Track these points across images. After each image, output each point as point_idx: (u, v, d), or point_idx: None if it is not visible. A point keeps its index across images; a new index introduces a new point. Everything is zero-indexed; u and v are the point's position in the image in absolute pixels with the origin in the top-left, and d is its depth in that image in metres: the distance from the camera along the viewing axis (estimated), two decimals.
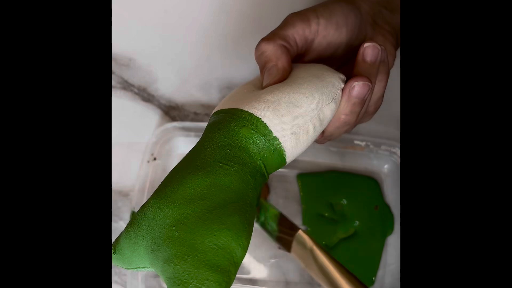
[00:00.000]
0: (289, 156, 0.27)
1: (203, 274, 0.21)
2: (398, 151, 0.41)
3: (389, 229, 0.42)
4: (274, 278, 0.42)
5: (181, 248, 0.22)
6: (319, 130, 0.27)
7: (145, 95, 0.46)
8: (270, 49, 0.28)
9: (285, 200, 0.43)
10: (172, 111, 0.46)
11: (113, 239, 0.42)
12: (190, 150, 0.27)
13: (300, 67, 0.29)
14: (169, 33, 0.47)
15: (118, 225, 0.43)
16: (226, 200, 0.23)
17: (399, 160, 0.41)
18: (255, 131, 0.25)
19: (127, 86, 0.46)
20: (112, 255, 0.26)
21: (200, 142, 0.27)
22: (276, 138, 0.26)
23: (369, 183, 0.43)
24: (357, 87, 0.27)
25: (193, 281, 0.21)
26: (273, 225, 0.31)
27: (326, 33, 0.29)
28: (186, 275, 0.22)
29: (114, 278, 0.42)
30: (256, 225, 0.42)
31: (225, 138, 0.25)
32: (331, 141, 0.42)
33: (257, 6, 0.46)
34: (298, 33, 0.29)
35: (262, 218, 0.29)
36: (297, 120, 0.26)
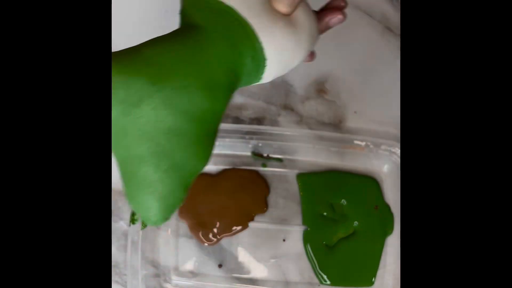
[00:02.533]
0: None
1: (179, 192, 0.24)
2: (398, 151, 0.41)
3: (389, 229, 0.42)
4: (274, 278, 0.42)
5: (166, 161, 0.24)
6: None
7: None
8: None
9: (285, 200, 0.43)
10: None
11: (113, 240, 0.42)
12: (187, 33, 0.26)
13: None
14: None
15: (118, 225, 0.43)
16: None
17: (399, 160, 0.41)
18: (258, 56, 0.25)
19: None
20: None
21: (200, 34, 0.26)
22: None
23: (369, 183, 0.43)
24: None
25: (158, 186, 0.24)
26: None
27: None
28: (158, 183, 0.24)
29: (114, 278, 0.42)
30: (255, 225, 0.42)
31: (229, 50, 0.25)
32: (331, 141, 0.42)
33: None
34: None
35: None
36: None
